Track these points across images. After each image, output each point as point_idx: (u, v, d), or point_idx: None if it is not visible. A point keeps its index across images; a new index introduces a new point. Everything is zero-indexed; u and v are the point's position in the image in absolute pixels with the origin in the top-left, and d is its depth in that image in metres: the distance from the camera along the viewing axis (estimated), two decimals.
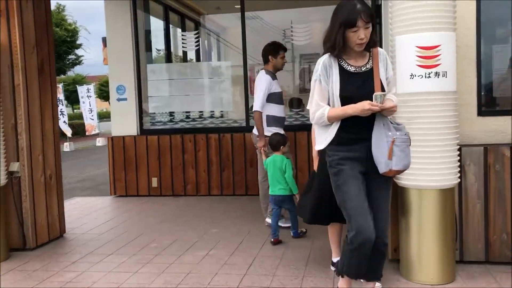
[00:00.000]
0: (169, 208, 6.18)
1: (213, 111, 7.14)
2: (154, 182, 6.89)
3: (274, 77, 5.01)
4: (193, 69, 7.21)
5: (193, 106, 7.09)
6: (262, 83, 4.92)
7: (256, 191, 6.61)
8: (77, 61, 27.23)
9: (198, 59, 8.01)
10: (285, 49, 5.09)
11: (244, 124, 6.83)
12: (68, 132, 17.35)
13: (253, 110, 4.97)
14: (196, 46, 7.16)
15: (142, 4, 7.15)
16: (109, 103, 7.31)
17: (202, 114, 7.12)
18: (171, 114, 7.17)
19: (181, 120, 7.13)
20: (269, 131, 4.90)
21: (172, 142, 6.83)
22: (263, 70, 5.03)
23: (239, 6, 8.45)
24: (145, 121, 7.12)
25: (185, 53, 7.85)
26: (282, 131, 4.94)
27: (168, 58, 7.79)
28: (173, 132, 6.94)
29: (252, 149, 6.57)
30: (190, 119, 7.13)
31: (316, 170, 3.36)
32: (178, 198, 6.74)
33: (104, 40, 7.37)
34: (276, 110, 5.00)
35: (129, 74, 6.96)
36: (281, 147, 4.61)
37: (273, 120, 4.99)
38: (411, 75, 3.19)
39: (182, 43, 7.16)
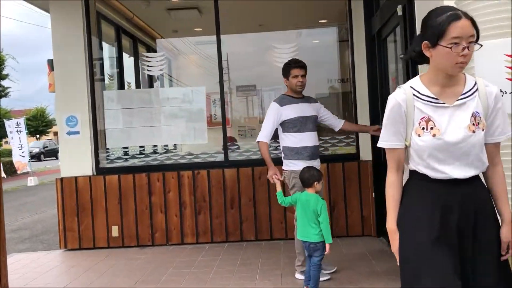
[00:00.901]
0: (139, 263, 5.06)
1: (185, 144, 6.14)
2: (115, 231, 5.74)
3: (286, 102, 4.32)
4: (160, 96, 6.22)
5: (161, 139, 6.06)
6: (268, 112, 4.36)
7: (239, 237, 5.71)
8: (3, 93, 24.98)
9: (161, 85, 7.04)
10: (299, 66, 4.34)
11: (222, 158, 5.90)
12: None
13: (256, 140, 4.38)
14: (161, 69, 6.19)
15: (95, 24, 6.12)
16: (57, 137, 6.11)
17: (174, 148, 6.11)
18: (134, 149, 6.10)
19: (147, 156, 6.08)
20: (287, 164, 4.28)
21: (136, 182, 5.75)
22: (279, 96, 4.47)
23: (200, 29, 7.65)
24: (102, 158, 6.00)
25: (145, 79, 6.87)
26: (312, 164, 4.17)
27: (121, 85, 6.76)
28: (137, 170, 5.86)
29: (233, 188, 5.65)
30: (158, 154, 6.10)
31: None
32: (145, 250, 5.62)
33: (50, 62, 6.14)
34: (291, 140, 4.28)
35: (82, 102, 5.84)
36: (315, 183, 3.80)
37: (289, 152, 4.28)
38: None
39: (147, 65, 6.17)
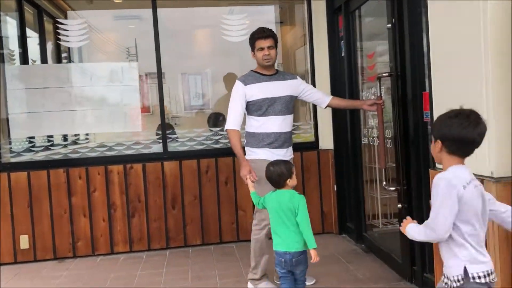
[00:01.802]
0: (60, 283, 3.99)
1: (113, 133, 5.07)
2: (24, 241, 4.57)
3: (251, 80, 3.56)
4: (81, 73, 5.07)
5: (83, 126, 4.95)
6: (233, 93, 3.60)
7: (183, 242, 4.82)
8: None
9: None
10: (264, 36, 3.54)
11: (160, 149, 4.94)
12: None
13: (225, 129, 3.62)
14: (83, 40, 5.01)
15: None
16: None
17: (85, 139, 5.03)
18: (48, 139, 4.93)
19: (64, 147, 4.94)
20: (246, 152, 3.60)
21: (51, 179, 4.61)
22: (245, 74, 3.69)
23: (120, 0, 6.52)
24: (4, 150, 4.77)
25: (55, 56, 5.64)
26: (279, 154, 3.45)
27: (25, 63, 5.48)
28: (52, 165, 4.71)
29: (175, 184, 4.75)
30: (79, 145, 4.98)
31: None
32: (66, 263, 4.53)
33: None
34: (253, 124, 3.57)
35: None
36: (287, 181, 2.98)
37: (250, 138, 3.58)
38: None
39: (64, 36, 4.98)
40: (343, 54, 4.65)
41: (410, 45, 3.28)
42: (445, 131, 1.86)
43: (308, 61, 5.15)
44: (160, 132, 4.95)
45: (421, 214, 3.20)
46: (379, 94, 3.65)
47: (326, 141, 5.01)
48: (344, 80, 4.62)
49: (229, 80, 5.12)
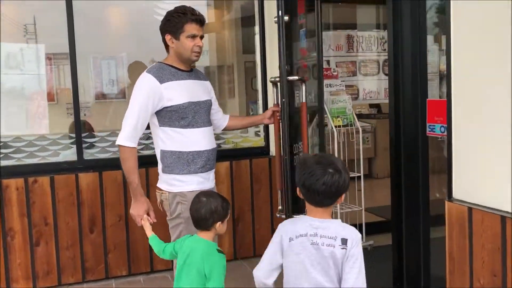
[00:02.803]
0: None
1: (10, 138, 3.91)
2: None
3: (169, 77, 2.57)
4: None
5: None
6: (137, 92, 2.54)
7: (103, 274, 3.86)
8: None
9: None
10: (198, 21, 2.59)
11: (74, 157, 3.89)
12: None
13: (116, 143, 2.55)
14: None
15: None
16: None
17: None
18: None
19: None
20: (169, 181, 2.60)
21: None
22: (152, 65, 2.64)
23: None
24: None
25: None
26: (209, 180, 2.66)
27: None
28: None
29: (94, 202, 3.78)
30: None
31: None
32: None
33: None
34: (178, 140, 2.58)
35: None
36: (217, 224, 2.20)
37: (174, 160, 2.58)
38: None
39: None
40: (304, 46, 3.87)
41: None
42: (297, 174, 1.82)
43: (259, 51, 4.32)
44: (73, 135, 3.90)
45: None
46: (275, 102, 2.99)
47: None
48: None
49: (136, 71, 4.20)
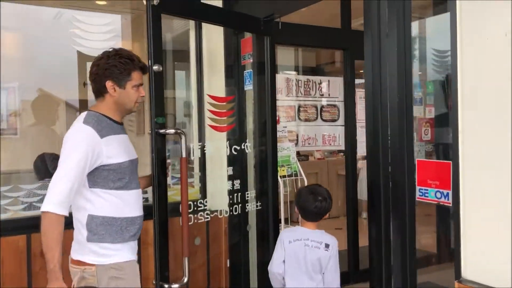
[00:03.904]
0: None
1: None
2: None
3: (107, 131, 2.20)
4: None
5: None
6: (72, 146, 2.11)
7: None
8: None
9: None
10: (142, 68, 2.31)
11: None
12: None
13: (42, 210, 2.05)
14: None
15: None
16: None
17: None
18: None
19: None
20: (97, 252, 2.16)
21: None
22: (86, 113, 2.21)
23: None
24: None
25: None
26: (135, 250, 2.33)
27: None
28: None
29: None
30: None
31: None
32: None
33: None
34: (111, 203, 2.18)
35: None
36: None
37: (106, 227, 2.18)
38: None
39: None
40: (249, 88, 3.46)
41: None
42: (296, 200, 2.62)
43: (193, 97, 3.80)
44: None
45: None
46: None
47: (218, 200, 3.71)
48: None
49: (42, 108, 3.58)
